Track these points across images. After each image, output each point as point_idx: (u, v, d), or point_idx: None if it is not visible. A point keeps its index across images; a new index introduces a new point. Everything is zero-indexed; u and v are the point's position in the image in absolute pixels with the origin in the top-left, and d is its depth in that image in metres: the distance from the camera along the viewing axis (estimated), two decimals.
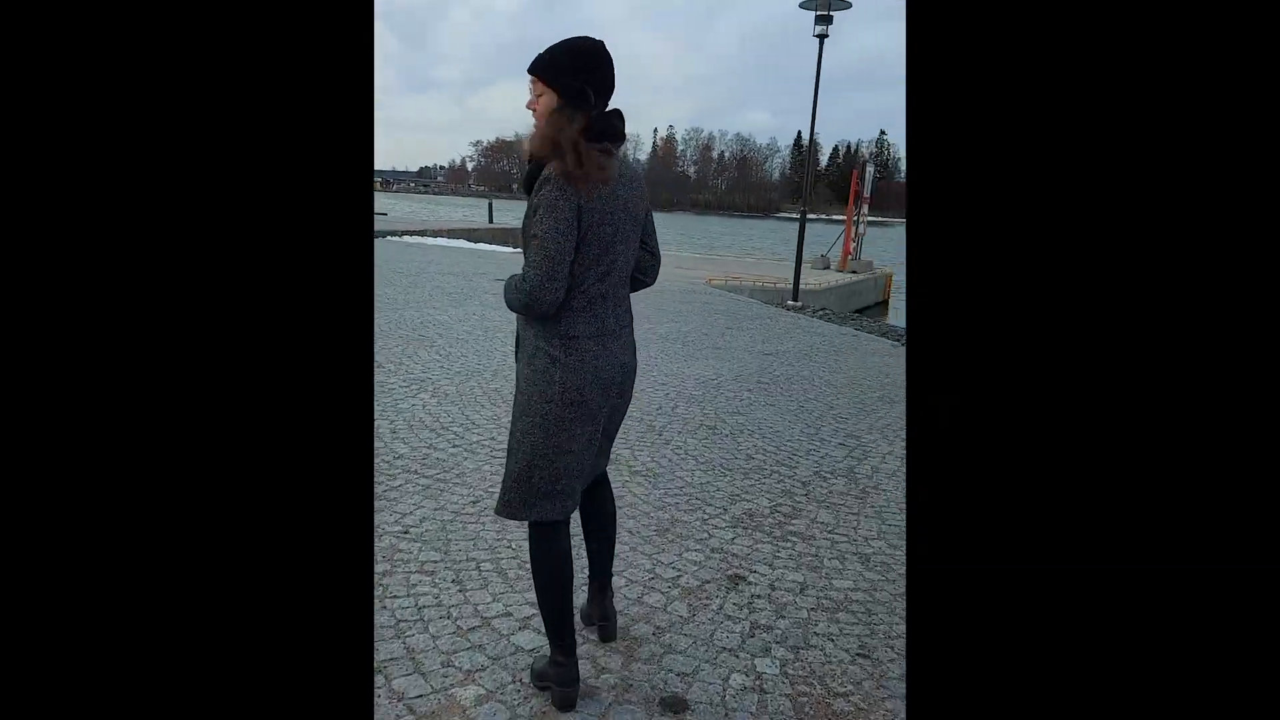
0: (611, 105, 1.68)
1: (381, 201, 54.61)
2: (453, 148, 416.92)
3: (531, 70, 1.63)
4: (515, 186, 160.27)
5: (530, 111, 1.66)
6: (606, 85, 1.63)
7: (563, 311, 1.62)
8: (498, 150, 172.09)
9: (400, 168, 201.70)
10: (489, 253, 17.95)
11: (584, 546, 2.13)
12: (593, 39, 1.62)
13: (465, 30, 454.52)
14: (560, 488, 1.71)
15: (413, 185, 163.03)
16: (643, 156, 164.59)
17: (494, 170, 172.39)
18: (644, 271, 1.84)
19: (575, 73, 1.58)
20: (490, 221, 31.92)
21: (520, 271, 1.61)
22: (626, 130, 1.67)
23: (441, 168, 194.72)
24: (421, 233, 21.50)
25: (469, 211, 62.53)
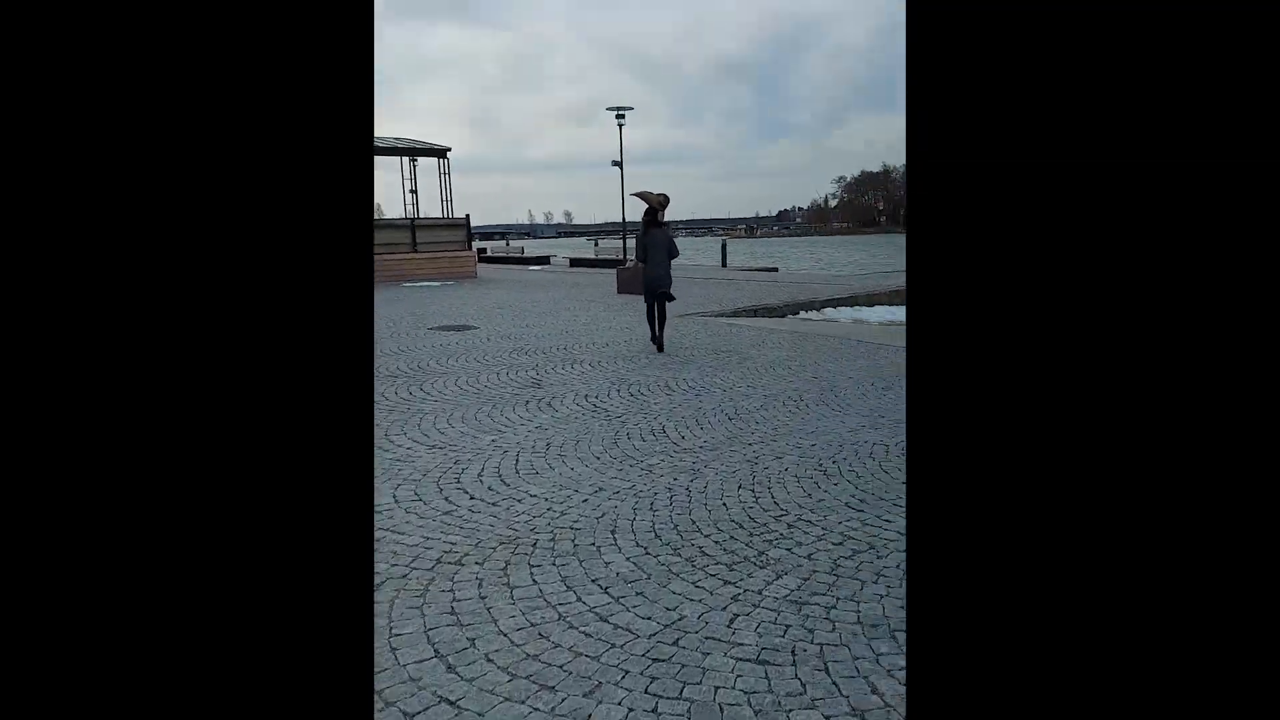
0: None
1: (756, 249, 48.59)
2: (809, 188, 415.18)
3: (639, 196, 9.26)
4: (883, 219, 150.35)
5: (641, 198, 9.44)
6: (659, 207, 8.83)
7: (647, 265, 8.90)
8: (864, 183, 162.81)
9: (762, 213, 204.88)
10: None
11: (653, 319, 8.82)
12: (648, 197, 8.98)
13: (817, 72, 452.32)
14: (646, 303, 8.97)
15: (774, 229, 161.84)
16: None
17: (857, 205, 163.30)
18: (672, 256, 8.75)
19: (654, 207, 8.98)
20: None
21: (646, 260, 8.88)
22: None
23: (800, 209, 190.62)
24: (852, 300, 13.00)
25: (838, 251, 53.64)
